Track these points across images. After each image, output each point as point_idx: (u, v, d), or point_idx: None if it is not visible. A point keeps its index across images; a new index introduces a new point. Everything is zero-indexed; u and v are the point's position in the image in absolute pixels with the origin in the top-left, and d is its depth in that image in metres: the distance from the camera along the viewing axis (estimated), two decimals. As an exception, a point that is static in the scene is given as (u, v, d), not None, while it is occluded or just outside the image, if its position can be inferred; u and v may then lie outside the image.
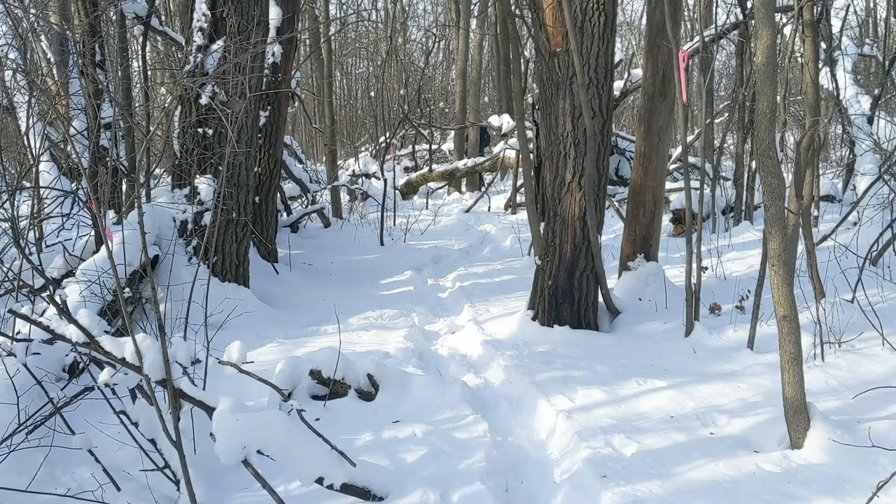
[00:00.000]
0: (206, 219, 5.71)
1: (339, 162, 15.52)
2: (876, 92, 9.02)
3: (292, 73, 8.26)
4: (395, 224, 11.13)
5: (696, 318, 5.02)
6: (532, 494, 3.07)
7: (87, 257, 5.45)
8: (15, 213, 5.08)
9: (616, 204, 10.51)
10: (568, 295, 5.30)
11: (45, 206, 6.12)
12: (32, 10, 6.20)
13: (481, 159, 14.61)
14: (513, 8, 6.77)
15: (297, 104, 11.91)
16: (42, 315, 3.29)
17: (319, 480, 2.68)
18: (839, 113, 9.04)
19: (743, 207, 9.21)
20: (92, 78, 6.14)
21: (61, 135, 7.07)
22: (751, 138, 8.62)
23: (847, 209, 8.38)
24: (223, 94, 5.73)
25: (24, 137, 6.13)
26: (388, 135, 15.29)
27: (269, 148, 7.58)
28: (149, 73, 8.14)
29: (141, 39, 7.17)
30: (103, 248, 5.24)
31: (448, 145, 18.74)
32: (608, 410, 3.71)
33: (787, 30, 8.84)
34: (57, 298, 2.87)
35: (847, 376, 3.96)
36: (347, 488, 2.74)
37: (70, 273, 5.27)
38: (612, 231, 9.33)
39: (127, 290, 5.00)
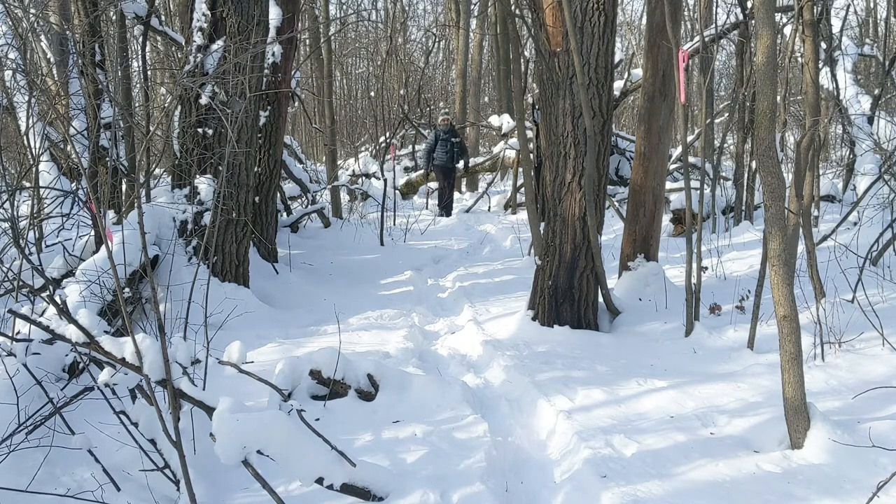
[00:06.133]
0: (206, 219, 5.71)
1: (339, 162, 15.52)
2: (876, 92, 9.02)
3: (292, 73, 8.26)
4: (395, 224, 11.13)
5: (696, 318, 5.02)
6: (532, 494, 3.07)
7: (87, 257, 5.45)
8: (15, 213, 5.08)
9: (616, 204, 10.51)
10: (568, 295, 5.30)
11: (45, 206, 6.12)
12: (32, 10, 6.21)
13: (481, 159, 14.61)
14: (513, 8, 6.77)
15: (297, 104, 11.90)
16: (42, 315, 3.29)
17: (319, 480, 2.67)
18: (839, 113, 9.03)
19: (743, 207, 9.21)
20: (92, 78, 6.14)
21: (61, 135, 7.07)
22: (751, 138, 8.61)
23: (847, 209, 8.38)
24: (223, 94, 5.73)
25: (24, 137, 6.13)
26: (388, 135, 15.29)
27: (269, 148, 7.57)
28: (149, 73, 8.13)
29: (141, 39, 7.17)
30: (103, 248, 5.24)
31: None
32: (608, 410, 3.71)
33: (787, 30, 8.84)
34: (57, 298, 2.87)
35: (847, 376, 3.96)
36: (347, 488, 2.74)
37: (70, 273, 5.27)
38: (612, 231, 9.33)
39: (127, 290, 5.00)
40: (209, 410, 2.65)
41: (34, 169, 6.01)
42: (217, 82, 5.71)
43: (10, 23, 6.42)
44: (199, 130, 5.82)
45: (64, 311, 2.74)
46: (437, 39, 23.62)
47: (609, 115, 5.21)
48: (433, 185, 15.24)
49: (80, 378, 3.74)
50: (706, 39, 8.07)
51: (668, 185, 9.64)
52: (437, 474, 3.06)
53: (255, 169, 6.72)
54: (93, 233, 5.77)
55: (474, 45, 18.09)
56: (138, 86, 7.35)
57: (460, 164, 12.82)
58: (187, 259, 5.71)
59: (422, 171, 15.39)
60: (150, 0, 6.98)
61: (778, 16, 8.49)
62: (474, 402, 3.96)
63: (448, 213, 12.57)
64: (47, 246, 6.08)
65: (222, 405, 2.57)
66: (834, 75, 8.92)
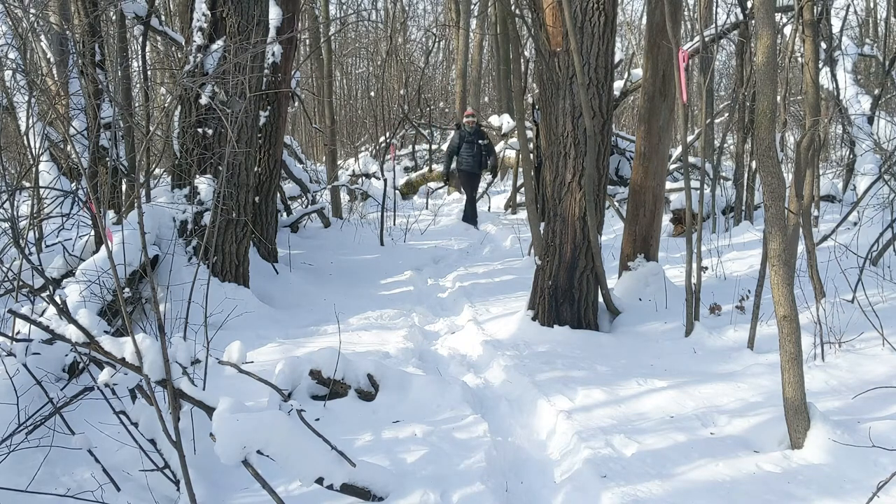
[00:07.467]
0: (206, 219, 5.71)
1: (339, 162, 15.51)
2: (876, 92, 9.03)
3: (292, 73, 8.26)
4: (395, 224, 11.13)
5: (696, 318, 5.02)
6: (532, 494, 3.07)
7: (87, 257, 5.45)
8: (15, 213, 5.08)
9: (616, 204, 10.51)
10: (568, 295, 5.30)
11: (45, 206, 6.12)
12: (32, 10, 6.20)
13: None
14: (513, 8, 6.77)
15: (297, 104, 11.90)
16: (42, 315, 3.28)
17: (319, 480, 2.67)
18: (839, 113, 9.03)
19: (743, 207, 9.21)
20: (92, 78, 6.14)
21: (61, 135, 7.06)
22: (751, 138, 8.61)
23: (847, 209, 8.38)
24: (223, 94, 5.73)
25: (24, 137, 6.13)
26: (388, 135, 15.29)
27: (269, 148, 7.57)
28: (149, 73, 8.13)
29: (141, 39, 7.16)
30: (103, 248, 5.23)
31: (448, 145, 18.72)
32: (608, 410, 3.71)
33: (788, 30, 8.84)
34: (57, 298, 2.87)
35: (847, 376, 3.96)
36: (347, 488, 2.74)
37: (70, 273, 5.27)
38: (612, 231, 9.33)
39: (127, 290, 5.00)
40: (209, 410, 2.64)
41: (34, 169, 6.00)
42: (217, 82, 5.71)
43: (10, 23, 6.41)
44: (199, 130, 5.82)
45: (64, 311, 2.74)
46: (437, 39, 23.62)
47: (609, 115, 5.21)
48: (433, 185, 15.21)
49: (80, 378, 3.74)
50: (706, 39, 8.07)
51: (668, 185, 9.64)
52: (437, 474, 3.06)
53: (255, 169, 6.72)
54: (93, 233, 5.77)
55: (474, 45, 18.08)
56: (138, 86, 7.35)
57: (488, 166, 11.40)
58: (187, 259, 5.71)
59: (422, 172, 15.37)
60: (150, 0, 6.98)
61: (778, 16, 8.48)
62: (474, 402, 3.96)
63: (475, 224, 11.23)
64: (47, 246, 6.08)
65: (222, 405, 2.57)
66: (834, 75, 8.92)
